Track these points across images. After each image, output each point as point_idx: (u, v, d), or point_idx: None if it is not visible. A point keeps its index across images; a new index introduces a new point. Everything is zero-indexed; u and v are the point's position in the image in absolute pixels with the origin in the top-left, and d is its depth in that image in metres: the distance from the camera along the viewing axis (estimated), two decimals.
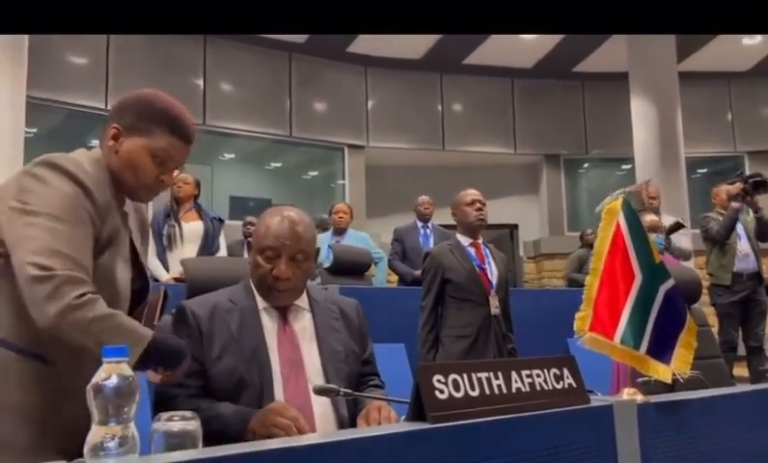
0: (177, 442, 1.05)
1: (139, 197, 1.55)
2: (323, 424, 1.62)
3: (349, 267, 4.79)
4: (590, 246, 4.66)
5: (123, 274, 1.49)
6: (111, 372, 0.97)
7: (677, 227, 4.84)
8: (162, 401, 1.56)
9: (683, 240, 4.92)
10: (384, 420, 1.53)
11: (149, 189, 1.51)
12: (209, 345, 1.64)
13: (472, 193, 3.55)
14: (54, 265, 1.29)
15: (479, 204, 3.49)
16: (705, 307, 3.81)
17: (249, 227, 5.62)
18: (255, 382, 1.61)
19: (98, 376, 0.97)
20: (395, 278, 5.99)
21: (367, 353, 1.84)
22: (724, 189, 5.32)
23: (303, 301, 1.78)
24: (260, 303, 1.73)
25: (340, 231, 5.67)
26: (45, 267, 1.29)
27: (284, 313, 1.73)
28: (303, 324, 1.74)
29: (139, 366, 1.34)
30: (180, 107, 1.55)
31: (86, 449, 0.95)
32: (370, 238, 5.93)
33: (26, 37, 6.20)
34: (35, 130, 7.58)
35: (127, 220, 1.55)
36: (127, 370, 0.99)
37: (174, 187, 4.77)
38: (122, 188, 1.50)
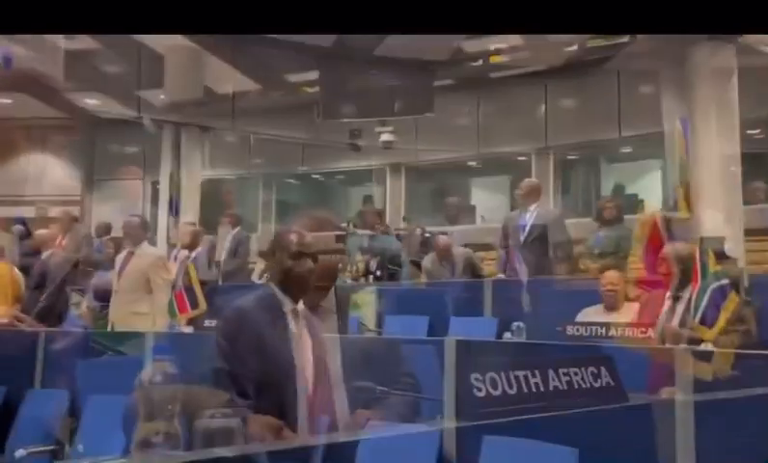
0: (218, 438, 1.07)
1: None
2: (345, 422, 1.64)
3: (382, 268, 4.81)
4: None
5: None
6: (157, 370, 0.99)
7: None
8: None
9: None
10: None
11: None
12: (242, 344, 1.67)
13: None
14: None
15: None
16: None
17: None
18: (281, 382, 1.64)
19: (144, 374, 0.99)
20: None
21: None
22: None
23: (329, 302, 1.81)
24: (286, 305, 1.75)
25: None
26: None
27: (309, 314, 1.76)
28: (328, 325, 1.78)
29: None
30: None
31: (133, 445, 0.97)
32: (395, 241, 5.99)
33: (62, 48, 6.35)
34: None
35: None
36: (172, 369, 1.01)
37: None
38: None
